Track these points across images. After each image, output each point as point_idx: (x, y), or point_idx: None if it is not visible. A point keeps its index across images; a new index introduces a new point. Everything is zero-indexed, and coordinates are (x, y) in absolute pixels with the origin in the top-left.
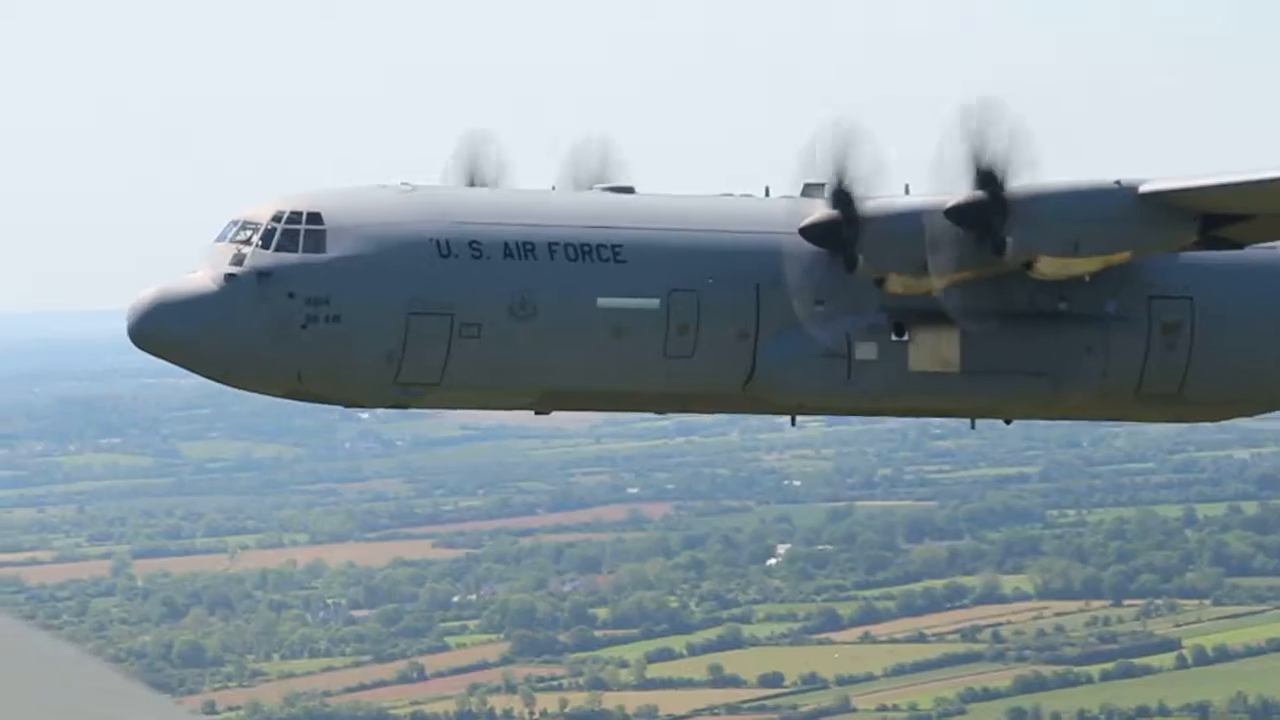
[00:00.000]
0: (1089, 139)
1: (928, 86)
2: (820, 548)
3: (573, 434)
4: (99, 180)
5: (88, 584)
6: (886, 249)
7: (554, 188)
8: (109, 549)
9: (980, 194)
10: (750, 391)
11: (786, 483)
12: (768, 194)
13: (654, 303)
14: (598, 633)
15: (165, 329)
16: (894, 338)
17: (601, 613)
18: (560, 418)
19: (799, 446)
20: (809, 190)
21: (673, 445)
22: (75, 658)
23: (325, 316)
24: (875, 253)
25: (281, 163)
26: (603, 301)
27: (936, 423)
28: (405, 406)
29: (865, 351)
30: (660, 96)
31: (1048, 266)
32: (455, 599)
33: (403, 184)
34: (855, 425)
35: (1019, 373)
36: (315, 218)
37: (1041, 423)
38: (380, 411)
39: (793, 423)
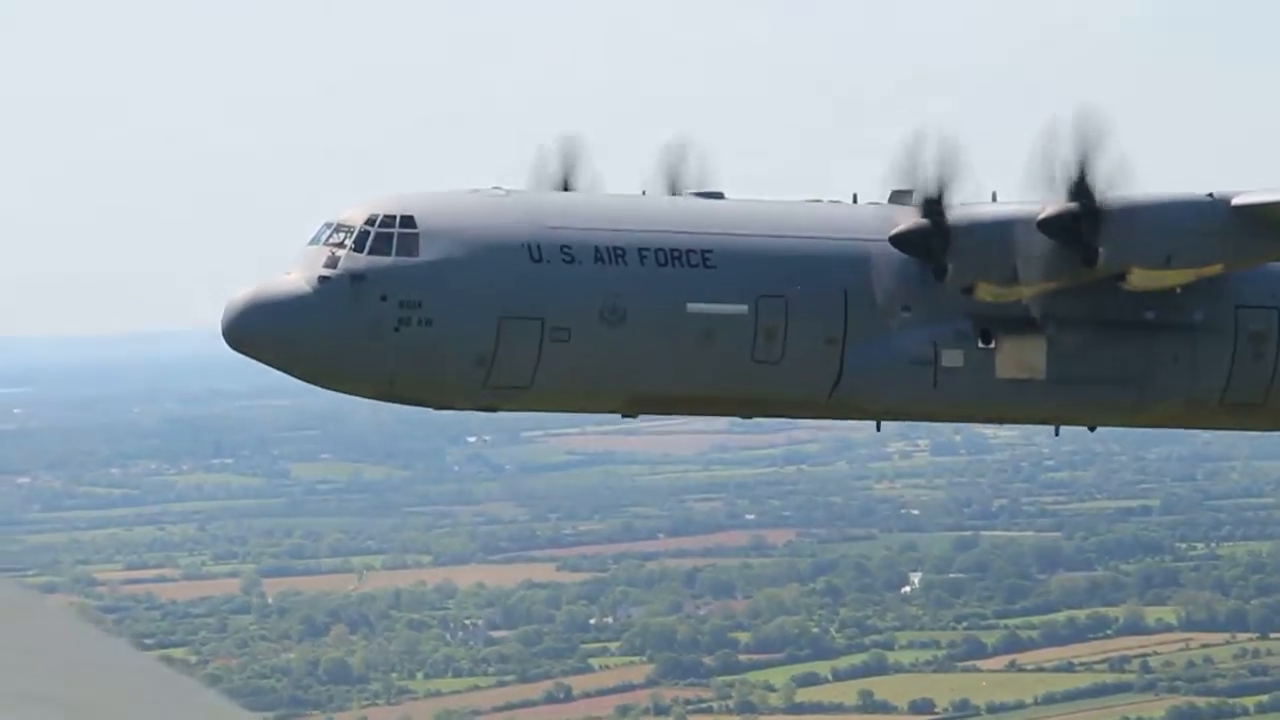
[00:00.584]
0: (1178, 149)
1: (1019, 94)
2: (954, 576)
3: (681, 460)
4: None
5: (219, 601)
6: (976, 258)
7: (644, 193)
8: (234, 567)
9: (1073, 205)
10: (836, 397)
11: (904, 511)
12: (855, 200)
13: (742, 308)
14: (741, 657)
15: (259, 329)
16: (980, 345)
17: (743, 637)
18: (669, 444)
19: (909, 476)
20: (896, 197)
21: (784, 473)
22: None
23: (418, 320)
24: (965, 261)
25: (372, 171)
26: (692, 306)
27: (1048, 454)
28: (495, 409)
29: (952, 359)
30: (748, 102)
31: (1140, 279)
32: (592, 621)
33: (495, 188)
34: (964, 455)
35: (1105, 381)
36: (409, 221)
37: (1155, 456)
38: (488, 436)
39: (878, 428)
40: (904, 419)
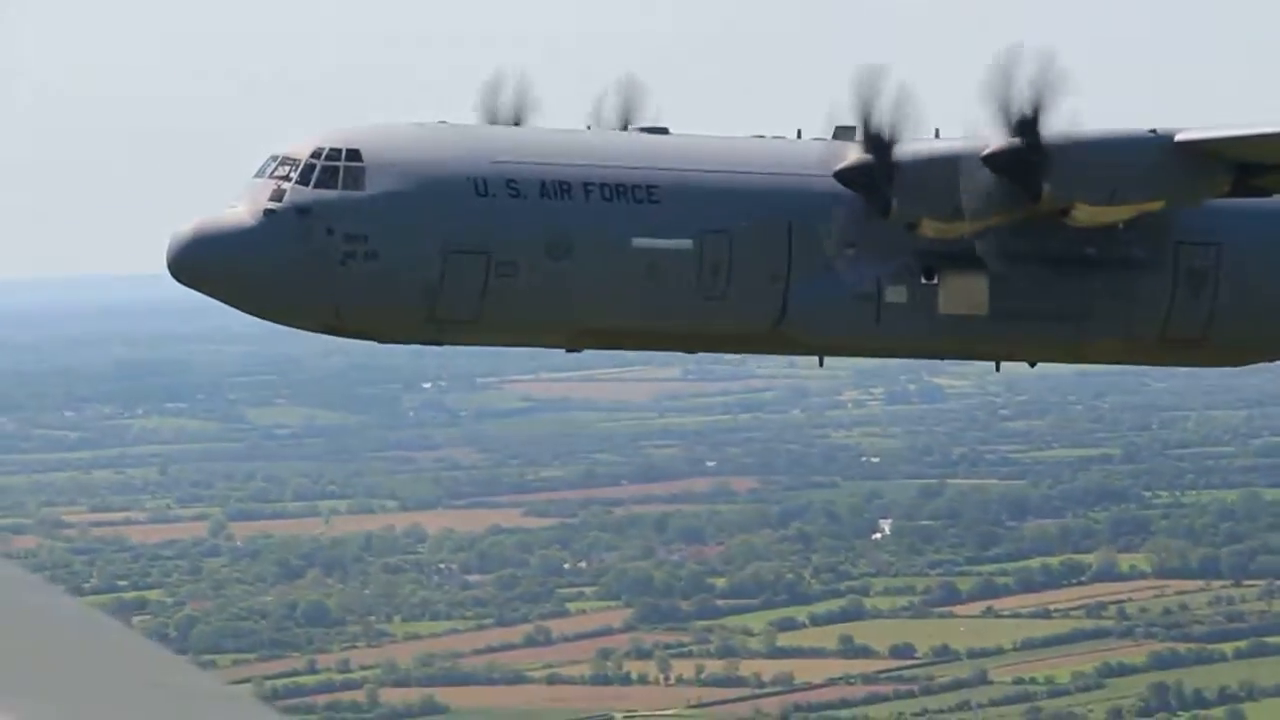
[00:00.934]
0: (1123, 84)
1: (964, 30)
2: (924, 523)
3: (635, 407)
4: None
5: (188, 544)
6: (921, 193)
7: (589, 128)
8: (200, 511)
9: (1018, 141)
10: (781, 332)
11: (864, 459)
12: (799, 136)
13: (687, 243)
14: (718, 602)
15: (204, 262)
16: (924, 281)
17: (718, 582)
18: (623, 390)
19: (866, 424)
20: (840, 133)
21: (740, 421)
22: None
23: (364, 253)
24: (909, 197)
25: (319, 109)
26: (637, 241)
27: (1002, 403)
28: (440, 343)
29: (895, 295)
30: (692, 38)
31: (1084, 214)
32: (566, 566)
33: (440, 122)
34: (918, 405)
35: (1046, 317)
36: (354, 154)
37: (1110, 405)
38: (443, 382)
39: (820, 364)
40: (847, 354)
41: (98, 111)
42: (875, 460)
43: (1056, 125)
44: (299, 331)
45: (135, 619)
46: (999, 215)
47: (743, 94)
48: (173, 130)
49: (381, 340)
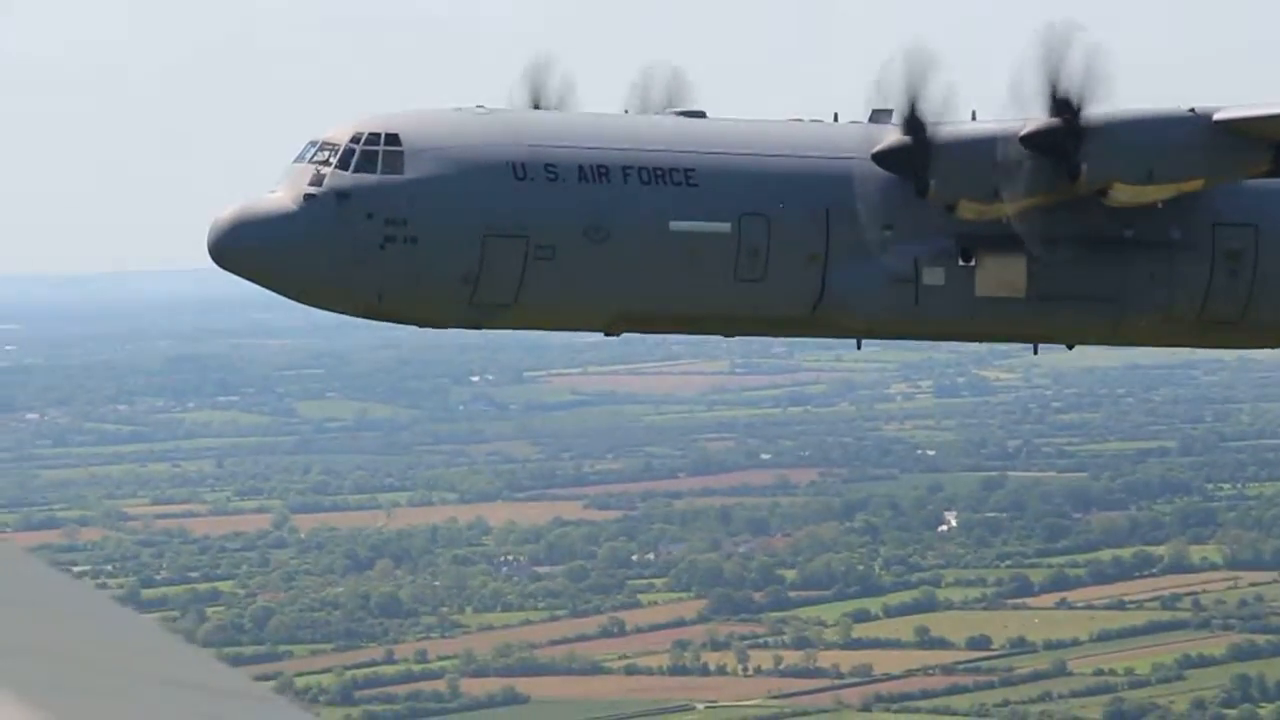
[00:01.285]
0: (1161, 62)
1: (1001, 9)
2: (989, 515)
3: (684, 400)
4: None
5: (253, 536)
6: (959, 174)
7: (626, 112)
8: (260, 503)
9: (1055, 120)
10: (819, 315)
11: (920, 452)
12: (836, 120)
13: (725, 226)
14: (791, 593)
15: (245, 247)
16: (961, 263)
17: (789, 574)
18: (671, 384)
19: (917, 417)
20: (877, 116)
21: (791, 414)
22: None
23: (403, 238)
24: (947, 178)
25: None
26: (675, 225)
27: (1053, 395)
28: (479, 327)
29: (933, 277)
30: (728, 21)
31: (1122, 193)
32: (634, 557)
33: (478, 107)
34: (968, 398)
35: (1084, 299)
36: (393, 139)
37: (1162, 398)
38: (491, 376)
39: (858, 346)
40: (885, 337)
41: (137, 107)
42: (931, 453)
43: (1094, 105)
44: (342, 326)
45: (209, 610)
46: (1037, 196)
47: (779, 77)
48: (210, 124)
49: (421, 324)
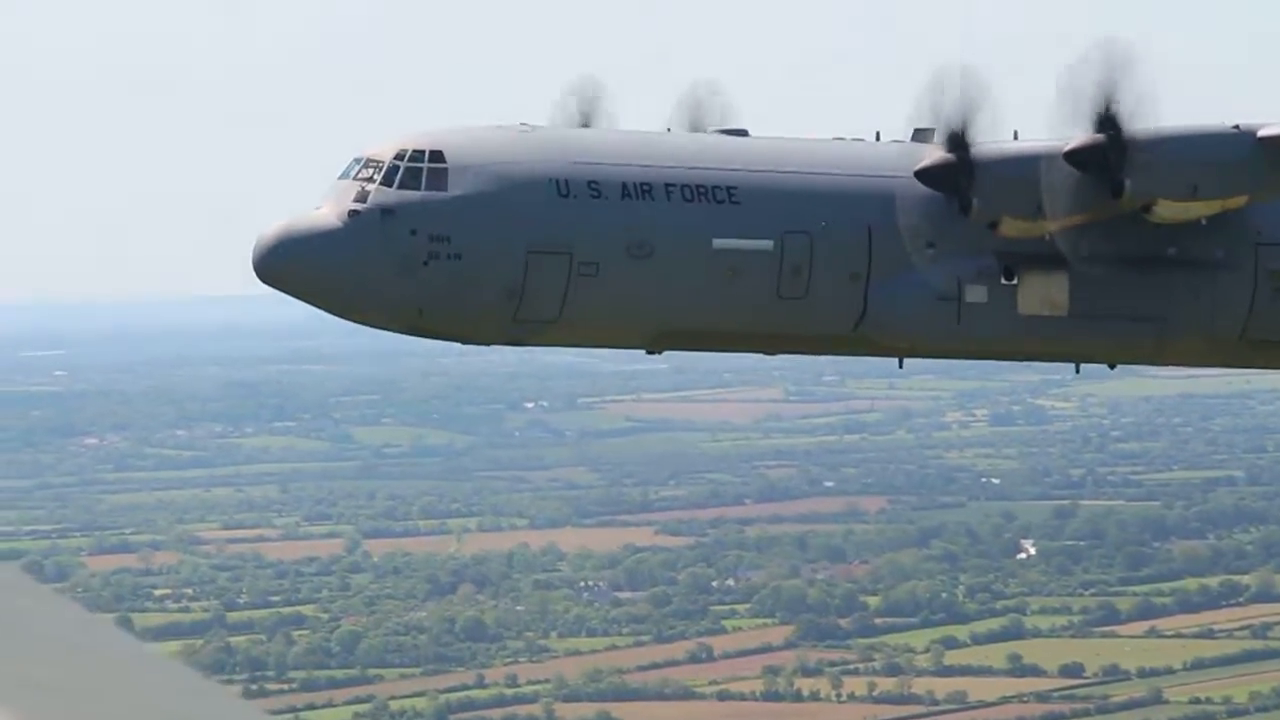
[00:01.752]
0: (1202, 79)
1: (1044, 26)
2: (1067, 543)
3: (738, 428)
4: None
5: (328, 561)
6: (1002, 192)
7: (668, 130)
8: (330, 528)
9: (1100, 136)
10: (861, 333)
11: (985, 480)
12: (878, 139)
13: (768, 244)
14: (877, 620)
15: (290, 263)
16: (1004, 281)
17: (872, 600)
18: (724, 411)
19: (976, 446)
20: (919, 135)
21: (848, 442)
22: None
23: (447, 254)
24: (991, 195)
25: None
26: (718, 242)
27: (1109, 424)
28: (522, 343)
29: (975, 295)
30: (770, 43)
31: (1166, 210)
32: (714, 583)
33: (521, 125)
34: (1023, 426)
35: (1127, 318)
36: (438, 156)
37: (1220, 428)
38: (545, 402)
39: (900, 365)
40: (927, 356)
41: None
42: (995, 481)
43: (1139, 120)
44: (389, 353)
45: (295, 634)
46: (1080, 213)
47: (820, 97)
48: (261, 149)
49: (464, 341)
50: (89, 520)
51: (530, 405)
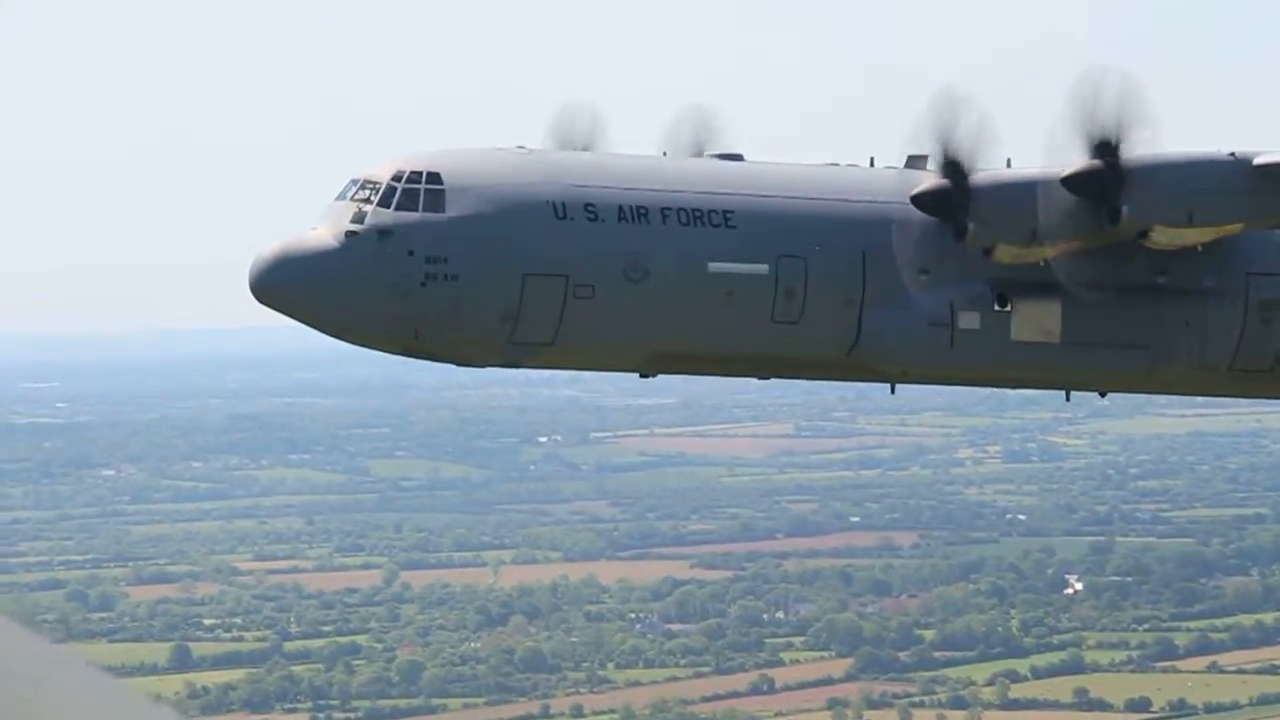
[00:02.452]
0: (1200, 108)
1: (1037, 53)
2: (1111, 579)
3: (752, 463)
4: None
5: (370, 592)
6: (998, 217)
7: (665, 154)
8: (364, 560)
9: (1097, 163)
10: (854, 358)
11: (1009, 516)
12: (872, 165)
13: (763, 268)
14: (935, 653)
15: (287, 283)
16: (997, 308)
17: (927, 634)
18: (735, 446)
19: (994, 482)
20: (912, 162)
21: (865, 477)
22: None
23: (444, 275)
24: (986, 221)
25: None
26: (713, 266)
27: (1125, 461)
28: (517, 365)
29: (968, 321)
30: (760, 68)
31: (1163, 236)
32: (765, 616)
33: (519, 147)
34: (1037, 463)
35: (1119, 345)
36: (435, 178)
37: (1237, 466)
38: (559, 436)
39: (892, 390)
40: (920, 381)
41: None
42: (1022, 517)
43: (1135, 147)
44: (391, 386)
45: (354, 662)
46: (1076, 239)
47: (813, 123)
48: (272, 181)
49: (460, 363)
50: (120, 551)
51: (544, 439)
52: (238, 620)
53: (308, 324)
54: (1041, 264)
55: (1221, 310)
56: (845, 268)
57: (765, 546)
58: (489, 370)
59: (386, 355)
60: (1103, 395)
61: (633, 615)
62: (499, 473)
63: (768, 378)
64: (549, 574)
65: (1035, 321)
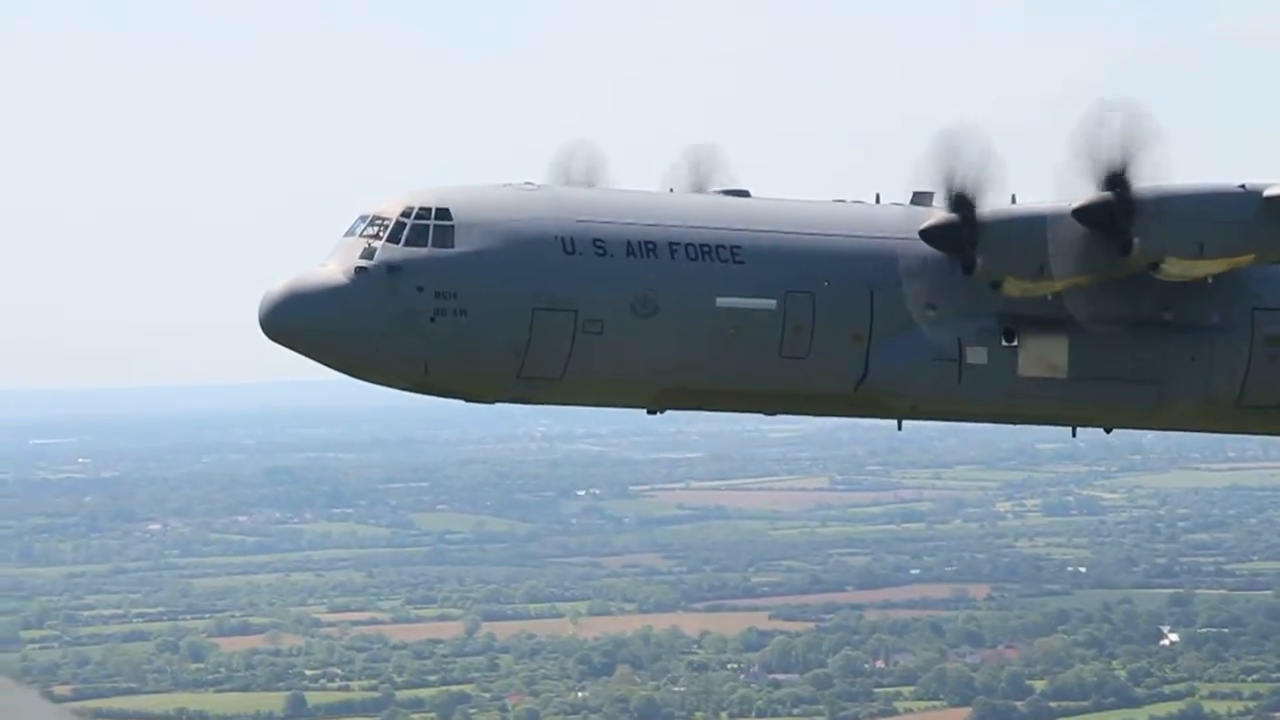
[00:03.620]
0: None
1: (1044, 88)
2: (1204, 630)
3: (791, 516)
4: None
5: (459, 642)
6: (1006, 251)
7: (671, 190)
8: (440, 611)
9: (1108, 195)
10: (862, 393)
11: (1070, 569)
12: (878, 201)
13: (771, 303)
14: (1051, 703)
15: (296, 320)
16: (1004, 343)
17: (1038, 684)
18: (773, 499)
19: (1044, 535)
20: (918, 198)
21: (911, 530)
22: None
23: (453, 310)
24: (995, 254)
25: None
26: (721, 301)
27: (1165, 514)
28: (527, 401)
29: (976, 356)
30: (767, 104)
31: (1174, 268)
32: (866, 665)
33: (526, 183)
34: (1080, 517)
35: (1125, 380)
36: (444, 213)
37: None
38: (598, 490)
39: (899, 427)
40: (928, 417)
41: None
42: (1083, 570)
43: (1145, 179)
44: (415, 442)
45: (468, 711)
46: (1086, 273)
47: (818, 159)
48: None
49: (469, 399)
50: (191, 603)
51: (582, 493)
52: (338, 670)
53: (317, 360)
54: (1048, 298)
55: (1227, 346)
56: (853, 303)
57: (840, 598)
58: (505, 424)
59: (391, 408)
60: (1108, 431)
61: (734, 665)
62: (542, 526)
63: (775, 414)
64: (629, 625)
65: (1042, 357)
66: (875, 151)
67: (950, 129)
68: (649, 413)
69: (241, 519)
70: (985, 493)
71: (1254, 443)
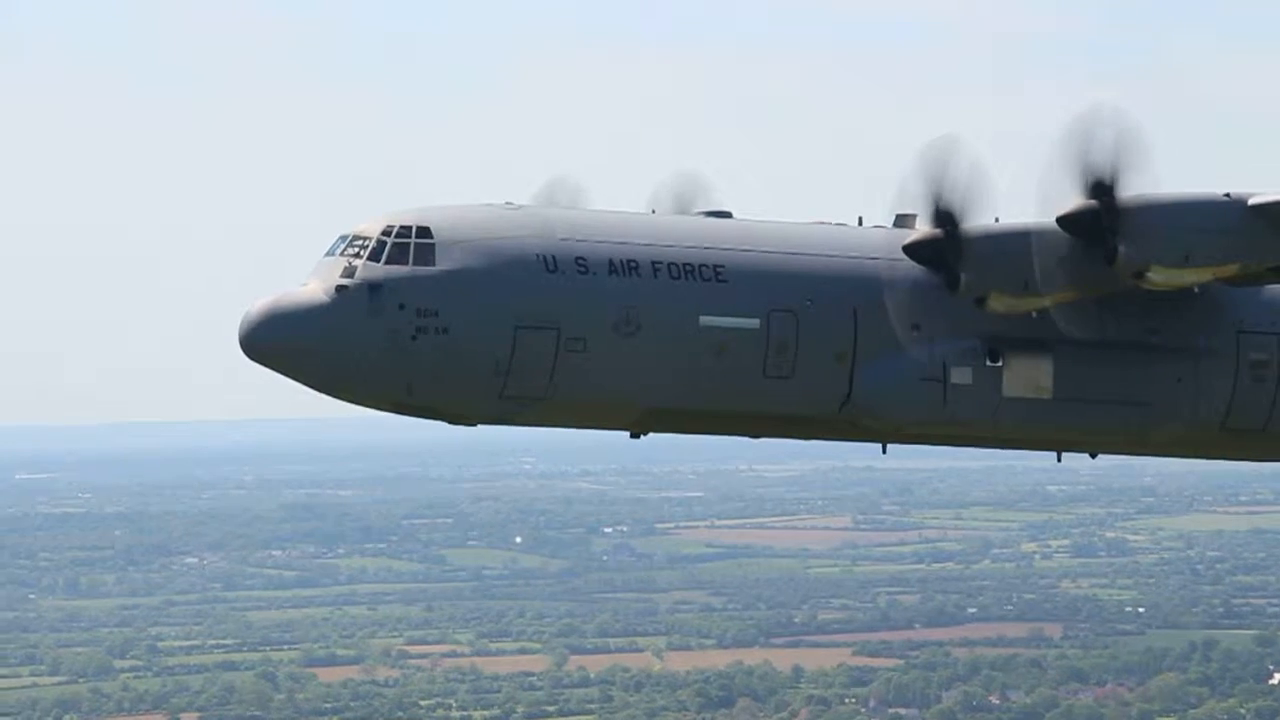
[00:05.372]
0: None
1: (1029, 101)
2: None
3: (820, 554)
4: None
5: (554, 676)
6: (991, 266)
7: (654, 211)
8: (520, 645)
9: (1093, 202)
10: (846, 414)
11: (1128, 609)
12: (860, 223)
13: (754, 322)
14: None
15: (277, 339)
16: (989, 363)
17: None
18: (798, 538)
19: (1083, 576)
20: (901, 221)
21: (950, 570)
22: None
23: (435, 328)
24: (980, 269)
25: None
26: (705, 320)
27: (1196, 557)
28: (509, 422)
29: (961, 376)
30: (751, 127)
31: (1159, 276)
32: (974, 703)
33: (507, 203)
34: (1108, 558)
35: (1111, 402)
36: (425, 232)
37: None
38: (625, 527)
39: (884, 450)
40: (912, 440)
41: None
42: (1141, 610)
43: (1131, 187)
44: (424, 480)
45: None
46: (1072, 286)
47: (800, 181)
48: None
49: (451, 420)
50: (265, 635)
51: (609, 530)
52: (452, 701)
53: (297, 380)
54: (1034, 316)
55: (1213, 369)
56: (837, 322)
57: (915, 635)
58: (500, 456)
59: (369, 444)
60: (1093, 456)
61: (852, 700)
62: (575, 562)
63: (759, 436)
64: (716, 660)
65: (1027, 377)
66: (856, 185)
67: (936, 143)
68: (631, 436)
69: (276, 553)
70: (1009, 533)
71: (1267, 486)
